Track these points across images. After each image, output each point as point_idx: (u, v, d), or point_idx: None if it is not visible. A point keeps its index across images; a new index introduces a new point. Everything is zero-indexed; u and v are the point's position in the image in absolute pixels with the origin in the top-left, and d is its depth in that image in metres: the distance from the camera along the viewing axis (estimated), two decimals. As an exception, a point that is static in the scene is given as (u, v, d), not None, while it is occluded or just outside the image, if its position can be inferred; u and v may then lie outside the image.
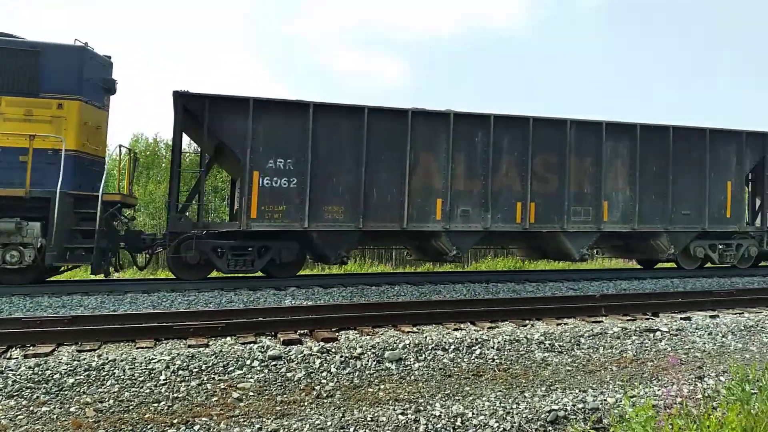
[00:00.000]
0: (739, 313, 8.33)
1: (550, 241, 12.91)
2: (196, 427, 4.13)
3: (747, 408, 3.58)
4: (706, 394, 4.73)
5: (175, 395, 4.71)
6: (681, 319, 7.79)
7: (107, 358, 5.25)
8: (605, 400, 4.75)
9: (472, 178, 11.94)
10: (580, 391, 4.97)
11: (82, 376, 4.94)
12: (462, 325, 7.12)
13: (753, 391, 3.74)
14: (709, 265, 14.74)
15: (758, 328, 7.37)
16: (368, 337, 6.32)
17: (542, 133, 12.35)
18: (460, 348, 6.05)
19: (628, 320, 7.61)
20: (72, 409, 4.40)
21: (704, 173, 13.65)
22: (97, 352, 5.63)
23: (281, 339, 6.12)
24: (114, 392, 4.73)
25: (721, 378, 5.30)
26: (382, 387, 5.07)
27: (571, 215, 12.52)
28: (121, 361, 5.23)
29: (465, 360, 5.83)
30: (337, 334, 6.50)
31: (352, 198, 11.16)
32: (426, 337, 6.26)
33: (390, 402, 4.67)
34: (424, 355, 5.83)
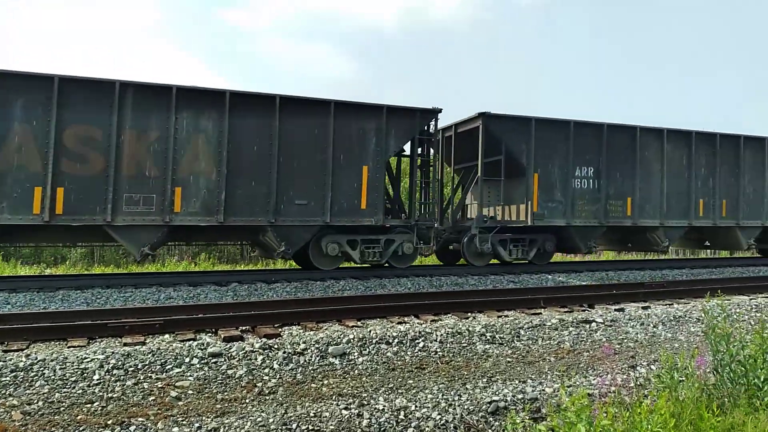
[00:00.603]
0: (669, 304, 8.72)
1: (85, 236, 10.56)
2: (132, 428, 3.99)
3: (675, 395, 3.75)
4: (638, 383, 4.93)
5: (109, 395, 4.54)
6: (615, 310, 8.08)
7: (36, 358, 5.01)
8: (544, 390, 4.87)
9: None
10: (519, 381, 5.09)
11: (8, 378, 4.69)
12: (406, 319, 7.16)
13: (681, 379, 3.91)
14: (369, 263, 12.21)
15: (686, 319, 7.74)
16: (312, 333, 6.27)
17: (77, 98, 9.73)
18: (404, 341, 6.08)
19: (565, 312, 7.84)
20: (-3, 413, 4.17)
21: (328, 155, 11.37)
22: (25, 351, 5.37)
23: (222, 336, 6.00)
24: (43, 393, 4.52)
25: (652, 367, 5.53)
26: (325, 382, 5.04)
27: (123, 205, 9.97)
28: (52, 360, 4.99)
29: (408, 353, 5.87)
30: (280, 329, 6.43)
31: None
32: (370, 331, 6.27)
33: (333, 397, 4.65)
34: (368, 349, 5.83)
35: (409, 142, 12.73)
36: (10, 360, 4.97)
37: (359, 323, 6.86)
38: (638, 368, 5.53)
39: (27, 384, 4.65)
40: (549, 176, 13.47)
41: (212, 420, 4.14)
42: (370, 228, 12.08)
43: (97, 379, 4.78)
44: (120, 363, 5.06)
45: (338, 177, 11.52)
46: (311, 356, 5.56)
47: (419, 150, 12.97)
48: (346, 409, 4.37)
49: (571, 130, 13.59)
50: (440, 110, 12.61)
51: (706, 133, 15.26)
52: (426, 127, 12.76)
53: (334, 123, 11.44)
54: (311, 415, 4.25)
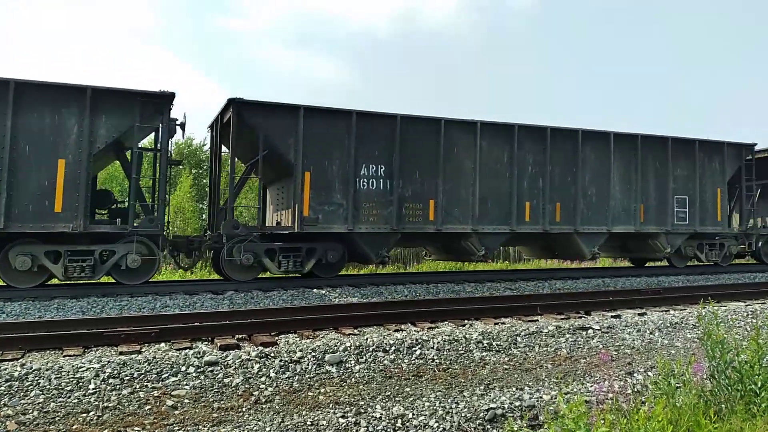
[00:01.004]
0: (665, 311, 8.74)
1: None
2: (128, 438, 3.97)
3: (672, 401, 3.75)
4: (636, 389, 4.93)
5: (105, 404, 4.52)
6: (611, 317, 8.09)
7: (31, 368, 4.98)
8: (541, 397, 4.87)
9: None
10: (517, 389, 5.08)
11: (2, 387, 4.66)
12: (403, 326, 7.15)
13: (678, 385, 3.91)
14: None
15: (682, 325, 7.75)
16: (308, 341, 6.25)
17: None
18: (401, 349, 6.07)
19: (562, 319, 7.84)
20: (-9, 423, 4.15)
21: (5, 145, 9.34)
22: (20, 361, 5.33)
23: (218, 344, 5.97)
24: (39, 403, 4.49)
25: (649, 373, 5.54)
26: (322, 390, 5.03)
27: None
28: (47, 370, 4.97)
29: (405, 361, 5.86)
30: (276, 338, 6.41)
31: None
32: (367, 339, 6.26)
33: (330, 405, 4.63)
34: (364, 357, 5.82)
35: (123, 131, 10.25)
36: (5, 370, 4.94)
37: (356, 331, 6.85)
38: (635, 375, 5.53)
39: (22, 394, 4.62)
40: (325, 175, 11.44)
41: (209, 429, 4.12)
42: (91, 236, 10.07)
43: (93, 389, 4.76)
44: (116, 372, 5.03)
45: (20, 173, 9.45)
46: (308, 364, 5.54)
47: (155, 143, 10.97)
48: (343, 417, 4.36)
49: (354, 122, 11.62)
50: (173, 94, 10.51)
51: (533, 126, 13.36)
52: (160, 114, 10.61)
53: (15, 107, 9.42)
54: (308, 423, 4.23)
